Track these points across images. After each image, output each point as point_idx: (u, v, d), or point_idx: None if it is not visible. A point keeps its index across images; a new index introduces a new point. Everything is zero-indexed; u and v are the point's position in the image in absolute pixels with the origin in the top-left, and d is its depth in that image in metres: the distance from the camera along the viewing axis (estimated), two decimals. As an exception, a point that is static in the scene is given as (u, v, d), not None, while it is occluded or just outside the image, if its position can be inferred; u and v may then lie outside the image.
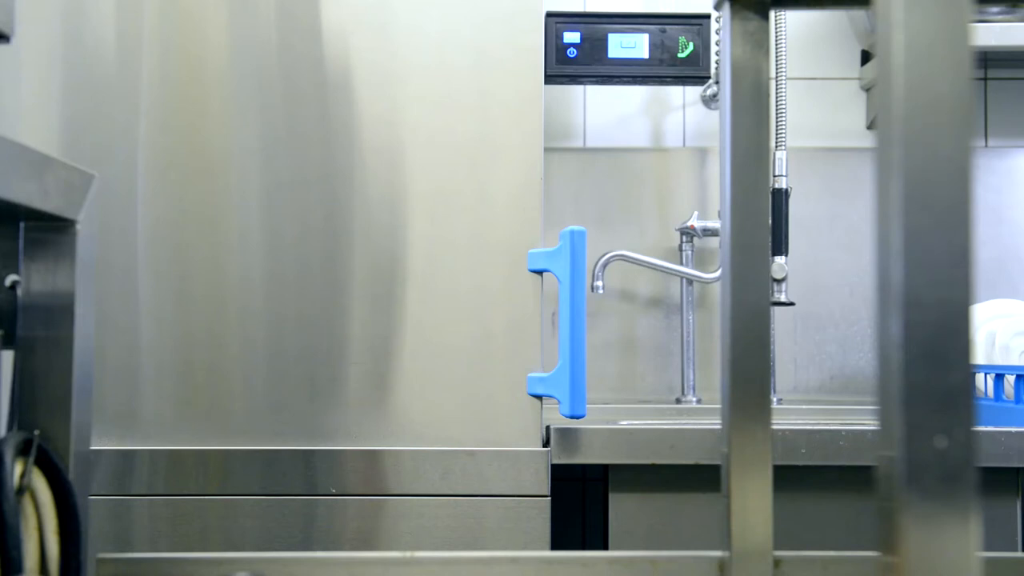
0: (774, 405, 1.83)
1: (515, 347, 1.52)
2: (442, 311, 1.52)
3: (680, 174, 2.19)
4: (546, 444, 1.52)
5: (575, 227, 1.52)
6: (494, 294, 1.52)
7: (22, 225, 0.80)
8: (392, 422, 1.50)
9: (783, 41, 2.02)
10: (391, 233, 1.53)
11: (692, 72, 1.98)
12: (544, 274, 1.52)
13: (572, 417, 1.51)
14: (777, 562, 0.84)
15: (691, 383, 2.12)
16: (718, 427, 0.84)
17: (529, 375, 1.51)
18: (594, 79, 1.99)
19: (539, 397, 1.51)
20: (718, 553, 0.86)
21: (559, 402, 1.50)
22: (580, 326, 1.51)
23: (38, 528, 0.75)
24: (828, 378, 2.17)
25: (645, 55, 1.96)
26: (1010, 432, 1.50)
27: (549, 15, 1.93)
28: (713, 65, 1.97)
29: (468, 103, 1.54)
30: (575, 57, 1.96)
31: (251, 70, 1.53)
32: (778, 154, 2.03)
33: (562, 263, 1.50)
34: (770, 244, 1.95)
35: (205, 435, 1.49)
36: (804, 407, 2.07)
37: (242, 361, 1.50)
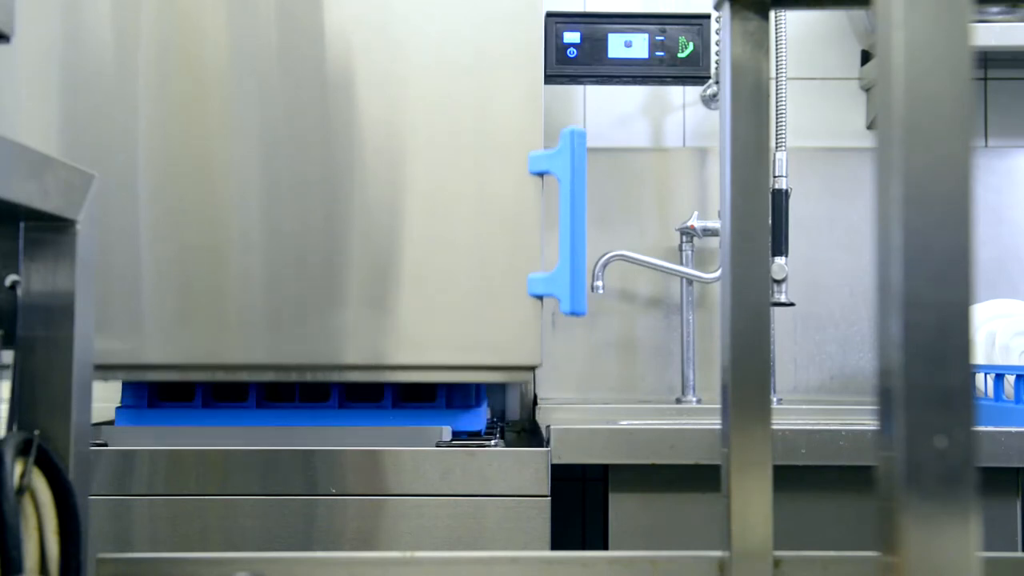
0: (774, 405, 1.83)
1: (515, 251, 1.54)
2: (443, 225, 1.54)
3: (680, 174, 2.19)
4: (546, 444, 1.52)
5: (575, 127, 1.53)
6: (496, 198, 1.54)
7: (22, 225, 0.80)
8: (393, 334, 1.52)
9: (783, 41, 2.02)
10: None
11: (692, 72, 1.97)
12: (544, 176, 1.55)
13: (572, 314, 1.51)
14: (777, 562, 0.84)
15: (691, 383, 2.12)
16: (718, 427, 0.84)
17: (530, 275, 1.52)
18: (594, 79, 1.99)
19: (540, 297, 1.52)
20: (718, 553, 0.86)
21: (559, 300, 1.51)
22: (580, 226, 1.52)
23: (38, 528, 0.75)
24: (828, 378, 2.17)
25: (645, 55, 1.96)
26: (1010, 432, 1.50)
27: (549, 15, 1.93)
28: (713, 65, 1.97)
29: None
30: (575, 57, 1.96)
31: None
32: (778, 154, 2.03)
33: (562, 163, 1.51)
34: (770, 244, 1.95)
35: (205, 350, 1.52)
36: (804, 407, 2.07)
37: (241, 280, 1.53)
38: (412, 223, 1.55)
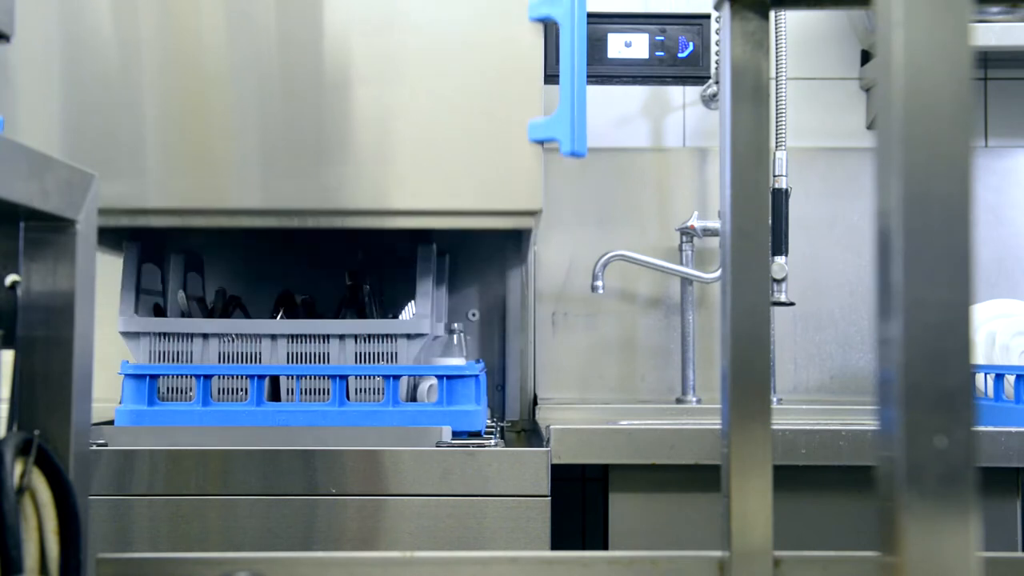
0: (774, 405, 1.83)
1: (516, 98, 1.56)
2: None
3: (680, 174, 2.18)
4: (546, 444, 1.52)
5: None
6: (497, 46, 1.56)
7: (22, 225, 0.80)
8: (394, 180, 1.54)
9: (783, 41, 2.02)
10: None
11: (692, 72, 1.97)
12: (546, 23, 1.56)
13: (573, 155, 1.52)
14: (777, 562, 0.84)
15: (691, 383, 2.12)
16: (718, 427, 0.84)
17: (530, 121, 1.54)
18: (594, 79, 1.99)
19: (541, 143, 1.54)
20: (718, 553, 0.86)
21: (560, 143, 1.52)
22: (581, 69, 1.54)
23: (38, 528, 0.75)
24: (828, 378, 2.17)
25: (645, 55, 1.96)
26: (1010, 432, 1.50)
27: (549, 15, 1.93)
28: (713, 65, 1.97)
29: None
30: (575, 57, 1.95)
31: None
32: (778, 154, 2.03)
33: (563, 6, 1.53)
34: (770, 244, 1.95)
35: (207, 195, 1.54)
36: (804, 407, 2.07)
37: (243, 127, 1.55)
38: (412, 70, 1.56)
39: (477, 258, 2.10)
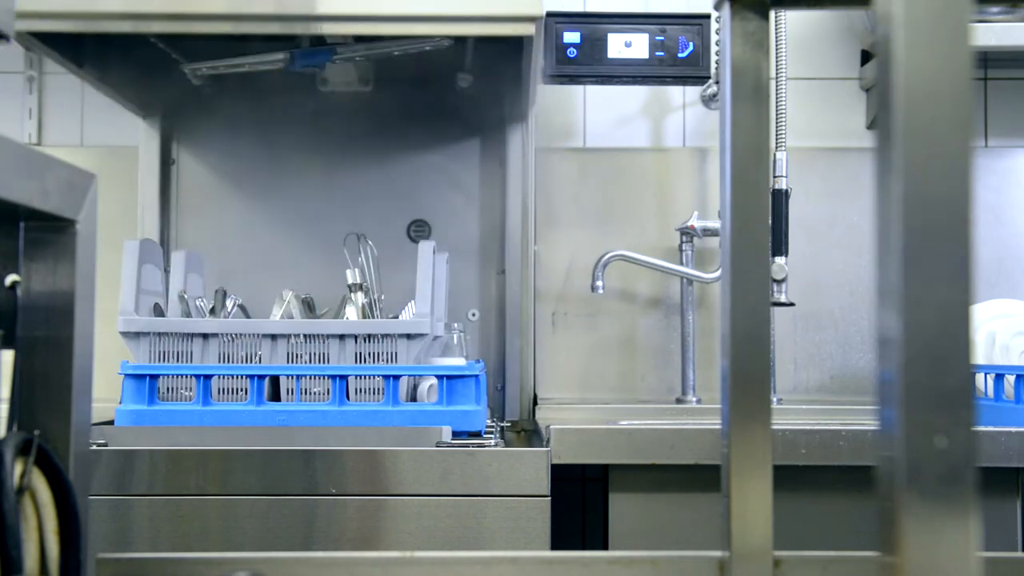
0: (774, 405, 1.83)
1: None
2: None
3: (680, 174, 2.18)
4: (546, 444, 1.52)
5: None
6: None
7: (22, 225, 0.80)
8: None
9: (783, 41, 2.02)
10: None
11: (692, 72, 1.97)
12: None
13: None
14: (777, 562, 0.84)
15: (691, 383, 2.12)
16: (718, 427, 0.84)
17: None
18: (594, 79, 1.99)
19: None
20: (718, 553, 0.86)
21: None
22: None
23: (38, 528, 0.75)
24: (828, 378, 2.17)
25: (645, 55, 1.96)
26: (1010, 432, 1.50)
27: (549, 15, 1.93)
28: (713, 65, 1.97)
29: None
30: (575, 57, 1.96)
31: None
32: (778, 154, 2.03)
33: None
34: (770, 244, 1.95)
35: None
36: (804, 407, 2.07)
37: None
38: None
39: (475, 112, 2.08)
